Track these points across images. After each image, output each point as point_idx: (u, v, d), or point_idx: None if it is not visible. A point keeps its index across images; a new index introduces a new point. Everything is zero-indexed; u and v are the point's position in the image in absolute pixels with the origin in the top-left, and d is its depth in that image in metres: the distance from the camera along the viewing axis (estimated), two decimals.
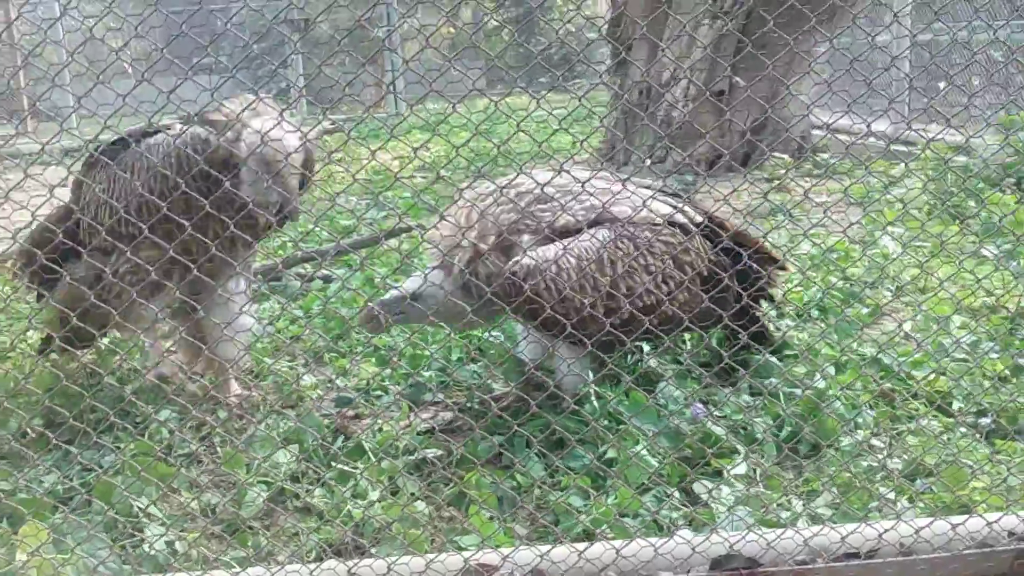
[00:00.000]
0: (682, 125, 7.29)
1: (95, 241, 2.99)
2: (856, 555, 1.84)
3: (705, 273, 3.05)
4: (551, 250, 2.85)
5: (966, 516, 2.02)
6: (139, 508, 2.34)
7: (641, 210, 2.94)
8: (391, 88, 12.21)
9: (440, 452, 2.72)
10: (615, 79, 7.99)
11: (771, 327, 3.55)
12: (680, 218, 3.08)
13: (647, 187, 3.18)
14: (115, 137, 3.03)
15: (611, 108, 7.94)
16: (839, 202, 5.80)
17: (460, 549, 2.05)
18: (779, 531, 1.94)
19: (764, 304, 3.48)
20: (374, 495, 2.46)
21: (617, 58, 7.77)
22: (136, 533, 2.32)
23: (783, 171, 6.69)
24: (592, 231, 2.91)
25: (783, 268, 3.39)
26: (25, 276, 3.27)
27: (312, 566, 1.94)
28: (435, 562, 1.90)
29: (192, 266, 2.27)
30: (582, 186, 2.75)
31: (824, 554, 1.83)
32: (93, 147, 3.01)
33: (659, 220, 3.00)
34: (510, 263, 2.85)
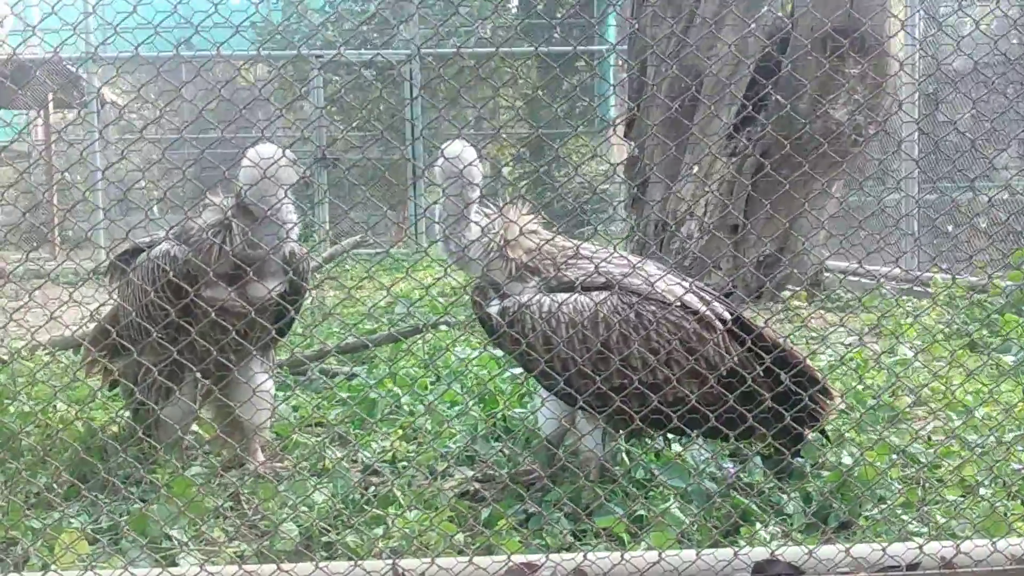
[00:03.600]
0: (696, 257, 7.52)
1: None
2: (897, 567, 1.85)
3: (724, 372, 2.98)
4: (547, 297, 2.94)
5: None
6: (173, 538, 2.36)
7: (654, 286, 2.96)
8: (414, 227, 12.67)
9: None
10: (632, 214, 8.32)
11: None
12: (700, 307, 3.06)
13: (685, 281, 3.17)
14: (129, 246, 3.38)
15: (627, 240, 8.23)
16: (852, 333, 5.96)
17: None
18: (820, 543, 1.96)
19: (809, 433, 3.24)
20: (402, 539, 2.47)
21: (633, 194, 8.11)
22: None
23: (797, 303, 6.86)
24: (594, 293, 2.96)
25: (827, 394, 3.21)
26: (95, 367, 3.67)
27: (357, 560, 1.94)
28: (476, 560, 1.91)
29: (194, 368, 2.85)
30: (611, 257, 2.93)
31: (865, 564, 1.85)
32: (113, 254, 3.45)
33: (672, 300, 3.01)
34: (506, 301, 2.98)
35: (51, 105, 12.25)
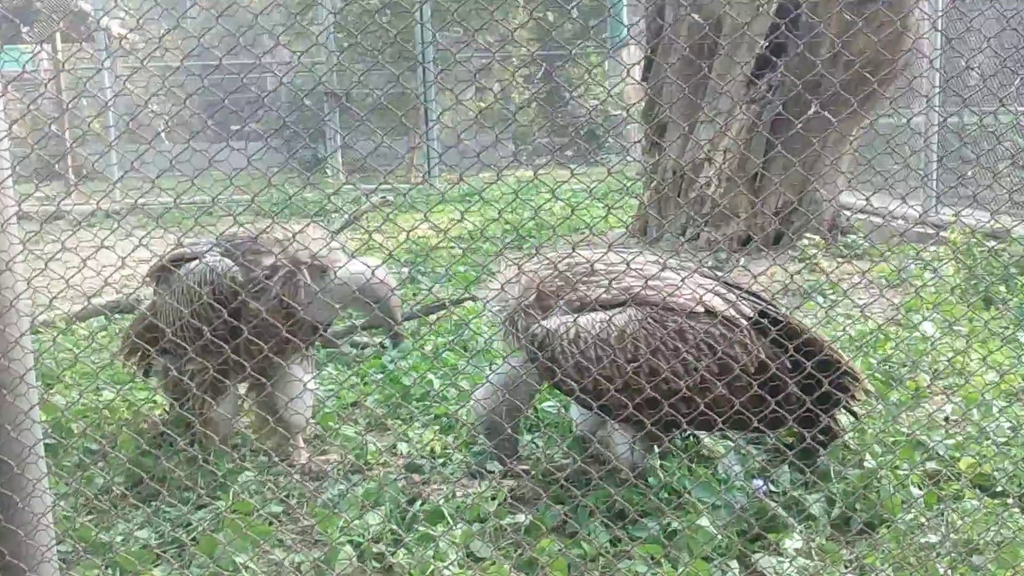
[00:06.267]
0: (715, 205, 7.55)
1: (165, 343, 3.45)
2: None
3: (753, 370, 3.06)
4: (572, 319, 3.02)
5: None
6: (240, 564, 2.54)
7: (674, 296, 3.04)
8: (426, 161, 12.65)
9: (513, 521, 2.91)
10: (649, 158, 8.31)
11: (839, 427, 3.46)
12: (724, 308, 3.11)
13: (709, 278, 3.26)
14: (178, 251, 3.40)
15: (645, 187, 8.25)
16: (870, 285, 6.03)
17: None
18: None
19: (842, 419, 3.45)
20: (453, 556, 2.64)
21: (652, 139, 8.08)
22: None
23: (814, 251, 6.93)
24: (621, 309, 3.04)
25: (855, 378, 3.34)
26: (132, 360, 3.80)
27: None
28: None
29: (247, 366, 2.75)
30: (628, 266, 3.00)
31: None
32: (163, 258, 3.44)
33: (698, 308, 3.07)
34: (532, 326, 3.07)
35: (58, 39, 12.11)
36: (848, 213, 8.28)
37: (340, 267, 3.28)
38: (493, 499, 3.10)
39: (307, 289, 3.24)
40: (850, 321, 5.02)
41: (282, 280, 3.22)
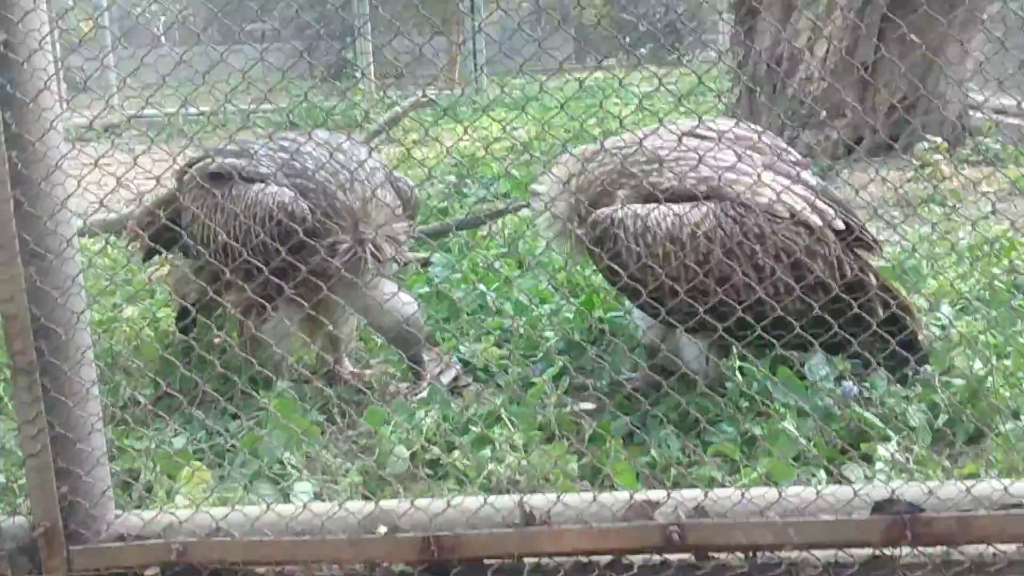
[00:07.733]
0: (818, 101, 7.63)
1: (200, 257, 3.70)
2: (1020, 505, 2.22)
3: (833, 289, 3.15)
4: (642, 207, 3.23)
5: None
6: (287, 463, 2.88)
7: (759, 193, 3.21)
8: (473, 59, 12.82)
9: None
10: (738, 48, 8.39)
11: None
12: (814, 218, 3.26)
13: (800, 180, 3.38)
14: (212, 163, 3.65)
15: (734, 83, 8.35)
16: (1001, 192, 6.11)
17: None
18: (941, 480, 2.37)
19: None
20: (511, 459, 2.95)
21: (743, 23, 8.14)
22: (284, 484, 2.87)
23: (938, 156, 6.98)
24: (697, 203, 3.22)
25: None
26: (139, 248, 4.03)
27: (486, 497, 2.39)
28: (600, 499, 2.36)
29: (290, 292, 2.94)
30: (720, 139, 3.21)
31: (987, 503, 2.23)
32: (193, 163, 3.74)
33: (783, 212, 3.23)
34: (596, 212, 3.28)
35: None
36: (978, 114, 8.27)
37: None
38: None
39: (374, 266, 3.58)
40: (971, 229, 5.14)
41: (343, 261, 3.51)
